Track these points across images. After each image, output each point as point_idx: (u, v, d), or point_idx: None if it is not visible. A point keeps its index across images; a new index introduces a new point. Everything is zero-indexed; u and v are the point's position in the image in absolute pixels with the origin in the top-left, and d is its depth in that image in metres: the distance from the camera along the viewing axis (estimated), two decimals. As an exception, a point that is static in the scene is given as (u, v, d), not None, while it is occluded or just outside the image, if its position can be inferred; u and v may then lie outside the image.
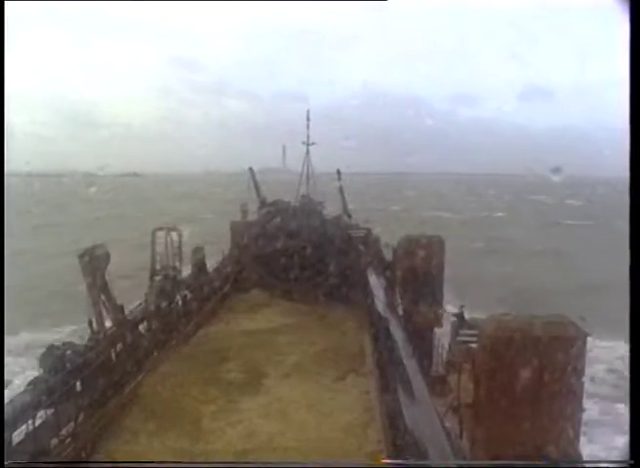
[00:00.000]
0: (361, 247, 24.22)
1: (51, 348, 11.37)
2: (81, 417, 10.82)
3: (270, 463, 8.84)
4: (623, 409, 17.64)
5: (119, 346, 13.60)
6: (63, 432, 10.20)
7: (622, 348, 22.95)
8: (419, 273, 17.74)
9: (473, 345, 9.46)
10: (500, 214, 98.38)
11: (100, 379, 11.93)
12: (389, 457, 9.58)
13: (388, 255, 21.44)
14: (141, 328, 15.77)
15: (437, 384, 11.80)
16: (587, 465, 9.60)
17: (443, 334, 14.74)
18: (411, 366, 10.75)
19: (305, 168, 29.87)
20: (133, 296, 17.40)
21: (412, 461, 8.44)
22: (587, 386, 8.47)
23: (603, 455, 13.89)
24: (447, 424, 8.90)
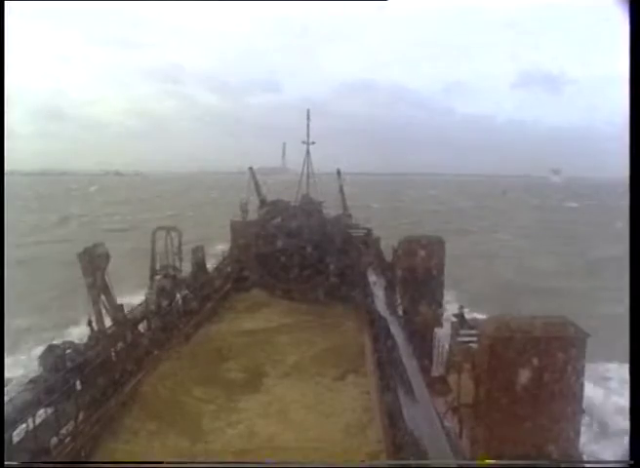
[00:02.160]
0: (361, 246, 24.22)
1: (51, 347, 11.37)
2: (81, 416, 10.81)
3: (270, 463, 8.84)
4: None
5: (119, 345, 13.60)
6: (63, 431, 10.19)
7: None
8: (419, 273, 17.72)
9: (473, 345, 9.46)
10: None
11: (100, 378, 11.93)
12: (389, 457, 9.58)
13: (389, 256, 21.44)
14: (142, 327, 15.78)
15: (437, 384, 11.80)
16: (587, 465, 9.58)
17: (443, 334, 14.71)
18: (411, 366, 10.74)
19: (306, 167, 29.84)
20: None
21: (412, 461, 8.44)
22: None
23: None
24: (447, 424, 8.90)
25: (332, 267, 23.56)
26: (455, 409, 9.28)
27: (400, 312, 17.05)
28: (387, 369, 12.38)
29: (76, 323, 20.39)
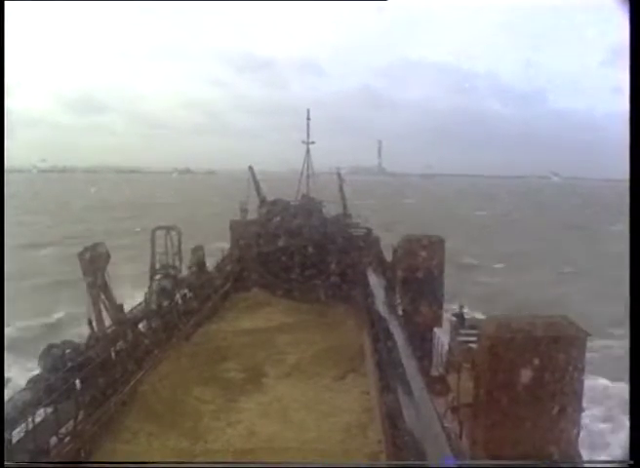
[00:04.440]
0: (362, 245, 24.24)
1: (50, 347, 11.36)
2: (80, 416, 10.80)
3: (270, 463, 8.84)
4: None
5: (119, 345, 13.59)
6: (63, 431, 10.18)
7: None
8: (419, 273, 17.74)
9: (473, 345, 9.47)
10: None
11: (99, 378, 11.92)
12: (389, 458, 9.57)
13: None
14: (142, 326, 15.78)
15: (437, 384, 11.80)
16: (587, 465, 9.59)
17: (443, 334, 14.71)
18: (410, 366, 10.73)
19: (306, 167, 29.84)
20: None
21: (412, 462, 8.44)
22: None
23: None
24: (447, 424, 8.90)
25: (332, 267, 23.58)
26: (455, 409, 9.30)
27: (400, 312, 17.07)
28: (387, 369, 12.36)
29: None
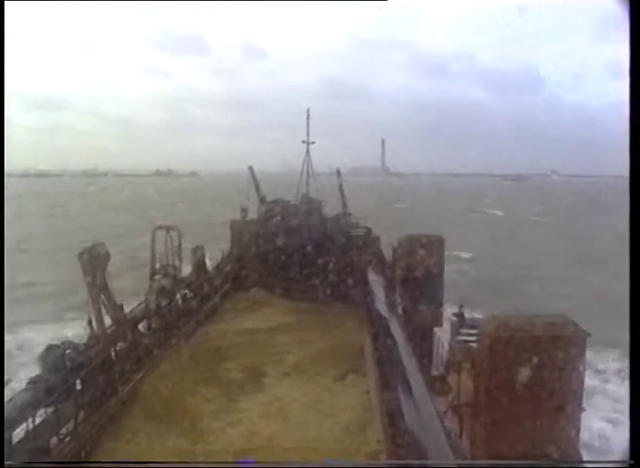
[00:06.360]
0: (361, 245, 24.25)
1: (50, 347, 11.36)
2: (81, 416, 10.81)
3: (270, 463, 8.85)
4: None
5: (119, 345, 13.59)
6: (63, 431, 10.19)
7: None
8: (418, 272, 17.71)
9: (473, 344, 9.47)
10: None
11: (99, 378, 11.92)
12: (389, 457, 9.58)
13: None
14: (141, 326, 15.78)
15: (437, 383, 11.80)
16: (587, 465, 9.58)
17: (443, 334, 14.71)
18: (410, 365, 10.74)
19: (306, 167, 29.86)
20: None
21: (412, 461, 8.45)
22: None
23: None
24: (447, 424, 8.90)
25: (331, 266, 23.58)
26: (455, 409, 9.29)
27: (400, 311, 17.05)
28: (387, 368, 12.37)
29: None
